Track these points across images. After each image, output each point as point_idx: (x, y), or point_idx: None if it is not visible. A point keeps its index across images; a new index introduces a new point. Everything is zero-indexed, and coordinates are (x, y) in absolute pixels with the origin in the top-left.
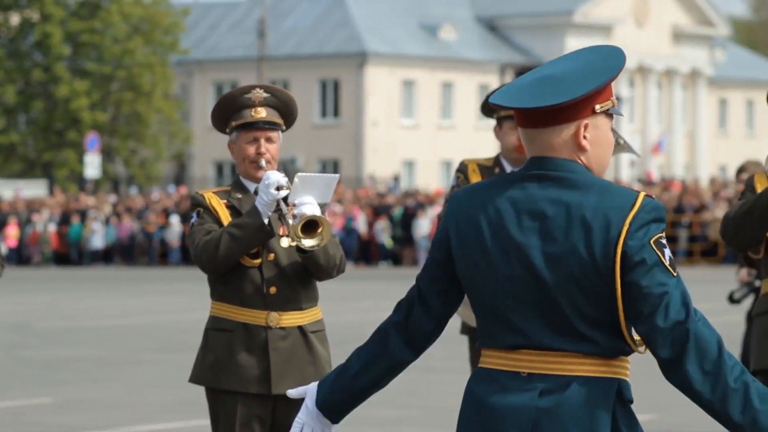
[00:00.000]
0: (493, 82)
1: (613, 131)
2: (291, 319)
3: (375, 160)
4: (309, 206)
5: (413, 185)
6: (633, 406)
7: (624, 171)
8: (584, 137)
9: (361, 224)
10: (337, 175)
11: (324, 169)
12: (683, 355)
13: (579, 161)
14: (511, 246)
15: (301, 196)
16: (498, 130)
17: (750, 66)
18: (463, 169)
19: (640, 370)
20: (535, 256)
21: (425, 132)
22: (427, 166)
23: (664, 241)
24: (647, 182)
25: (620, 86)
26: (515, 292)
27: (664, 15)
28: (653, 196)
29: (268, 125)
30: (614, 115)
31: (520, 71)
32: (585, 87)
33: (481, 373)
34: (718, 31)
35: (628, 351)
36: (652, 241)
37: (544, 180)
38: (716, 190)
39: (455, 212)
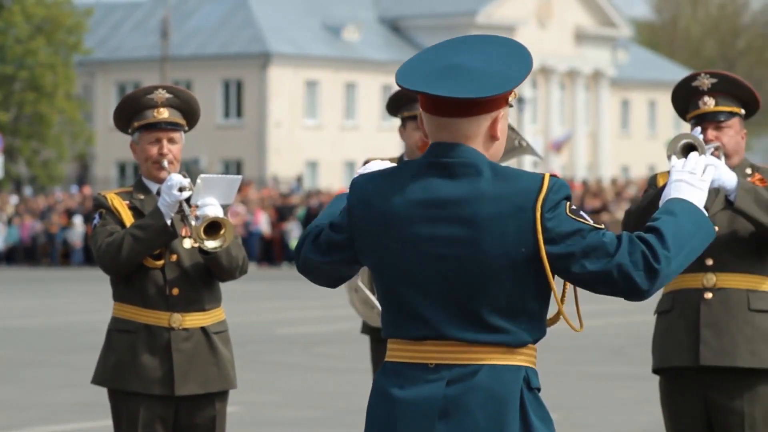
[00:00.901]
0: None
1: (516, 133)
2: (194, 320)
3: (278, 161)
4: (211, 208)
5: (316, 186)
6: None
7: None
8: (498, 128)
9: (263, 225)
10: (240, 177)
11: (227, 170)
12: (634, 279)
13: (486, 152)
14: (417, 237)
15: (203, 198)
16: (402, 130)
17: (652, 67)
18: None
19: (546, 370)
20: (442, 247)
21: (328, 132)
22: (330, 166)
23: (575, 207)
24: None
25: (523, 87)
26: (422, 283)
27: (567, 16)
28: (558, 175)
29: (171, 126)
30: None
31: None
32: (510, 82)
33: (389, 367)
34: (621, 32)
35: (536, 338)
36: (568, 213)
37: (449, 168)
38: (618, 191)
39: (359, 201)
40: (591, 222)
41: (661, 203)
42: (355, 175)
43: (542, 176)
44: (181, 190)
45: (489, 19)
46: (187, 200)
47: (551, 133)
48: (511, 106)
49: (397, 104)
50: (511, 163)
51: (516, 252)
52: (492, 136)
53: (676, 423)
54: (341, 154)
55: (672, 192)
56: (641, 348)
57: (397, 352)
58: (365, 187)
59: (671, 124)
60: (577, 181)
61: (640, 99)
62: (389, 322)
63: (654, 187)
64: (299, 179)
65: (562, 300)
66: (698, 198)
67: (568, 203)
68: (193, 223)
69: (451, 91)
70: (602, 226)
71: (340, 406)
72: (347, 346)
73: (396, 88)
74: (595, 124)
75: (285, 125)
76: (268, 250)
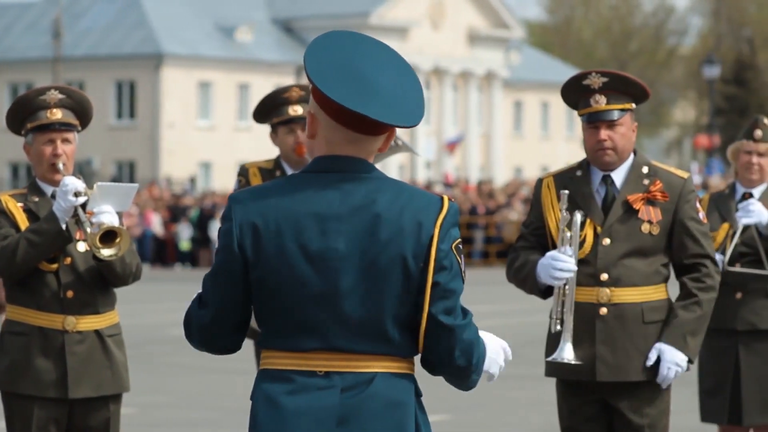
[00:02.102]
0: (290, 83)
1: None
2: (88, 323)
3: (171, 162)
4: (107, 215)
5: (210, 186)
6: (427, 407)
7: (420, 172)
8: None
9: (156, 226)
10: (136, 185)
11: (120, 171)
12: (454, 353)
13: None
14: (315, 250)
15: (100, 205)
16: (274, 136)
17: (545, 68)
18: (243, 172)
19: None
20: (339, 259)
21: (222, 133)
22: (223, 167)
23: (461, 246)
24: (446, 184)
25: None
26: (317, 296)
27: (460, 17)
28: (453, 199)
29: (64, 126)
30: None
31: None
32: (419, 115)
33: (272, 374)
34: (513, 33)
35: (417, 350)
36: (453, 247)
37: (346, 182)
38: (511, 192)
39: (247, 217)
40: (463, 269)
41: None
42: (234, 191)
43: (441, 198)
44: (76, 195)
45: (382, 20)
46: (83, 205)
47: (444, 135)
48: None
49: (264, 111)
50: (405, 159)
51: (415, 266)
52: (380, 150)
53: (572, 423)
54: (234, 155)
55: None
56: (535, 348)
57: (282, 359)
58: (254, 203)
59: (564, 126)
60: (471, 182)
61: (533, 100)
62: (273, 334)
63: (537, 200)
64: (192, 180)
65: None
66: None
67: (459, 240)
68: (88, 229)
69: (373, 112)
70: (464, 282)
71: (232, 407)
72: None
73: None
74: (488, 126)
75: (178, 126)
76: (161, 251)
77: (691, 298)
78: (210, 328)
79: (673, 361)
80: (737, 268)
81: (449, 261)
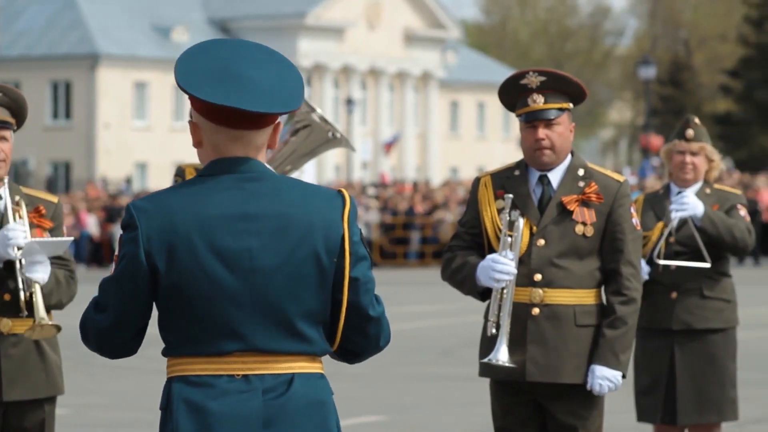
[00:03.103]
0: None
1: (330, 125)
2: (23, 326)
3: (107, 162)
4: (40, 270)
5: (145, 187)
6: (364, 408)
7: (356, 172)
8: (277, 136)
9: (92, 226)
10: (70, 238)
11: (56, 171)
12: (380, 339)
13: (264, 161)
14: (228, 252)
15: (33, 255)
16: None
17: (481, 69)
18: (180, 173)
19: (376, 371)
20: (254, 258)
21: (158, 134)
22: (159, 167)
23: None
24: (382, 184)
25: (353, 89)
26: (234, 297)
27: (396, 18)
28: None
29: (1, 124)
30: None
31: None
32: (297, 100)
33: (189, 379)
34: (450, 33)
35: (329, 350)
36: (360, 237)
37: (247, 182)
38: (448, 193)
39: (154, 225)
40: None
41: None
42: (137, 199)
43: (340, 192)
44: (18, 248)
45: (318, 20)
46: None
47: (380, 135)
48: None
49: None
50: (341, 159)
51: (328, 261)
52: (269, 146)
53: (506, 424)
54: (170, 155)
55: None
56: (471, 349)
57: (197, 365)
58: (160, 209)
59: (500, 126)
60: (407, 182)
61: (469, 101)
62: (187, 340)
63: (474, 197)
64: (128, 180)
65: (346, 312)
66: None
67: (360, 231)
68: (20, 285)
69: (245, 104)
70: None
71: None
72: None
73: None
74: (424, 126)
75: (114, 126)
76: (97, 252)
77: (615, 314)
78: (108, 333)
79: (604, 377)
80: (677, 262)
81: (363, 253)
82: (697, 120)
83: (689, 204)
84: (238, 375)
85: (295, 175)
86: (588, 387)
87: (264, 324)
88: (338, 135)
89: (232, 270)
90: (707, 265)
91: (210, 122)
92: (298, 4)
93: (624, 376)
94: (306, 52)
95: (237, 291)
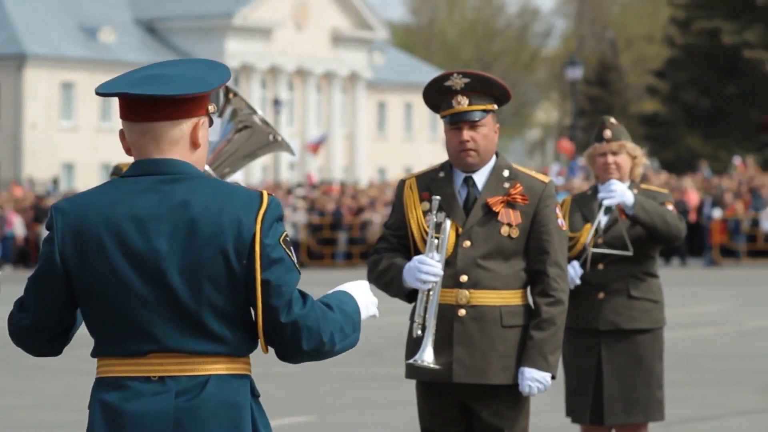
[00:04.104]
0: None
1: (271, 127)
2: None
3: (33, 162)
4: None
5: (72, 187)
6: (292, 409)
7: (284, 173)
8: (199, 134)
9: (18, 227)
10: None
11: None
12: (300, 342)
13: (190, 161)
14: (137, 253)
15: None
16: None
17: (408, 69)
18: (117, 171)
19: (302, 372)
20: (162, 260)
21: (84, 134)
22: (86, 168)
23: (289, 238)
24: (309, 185)
25: (279, 89)
26: (145, 298)
27: (324, 18)
28: (272, 195)
29: None
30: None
31: None
32: (204, 85)
33: (108, 381)
34: (377, 34)
35: (254, 349)
36: (281, 240)
37: (163, 183)
38: (375, 193)
39: (68, 225)
40: (295, 260)
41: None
42: (59, 200)
43: (260, 192)
44: None
45: (245, 21)
46: None
47: (308, 135)
48: (211, 120)
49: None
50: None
51: (238, 263)
52: (193, 143)
53: (432, 425)
54: (97, 155)
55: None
56: (397, 349)
57: (116, 367)
58: (76, 210)
59: (427, 127)
60: (335, 183)
61: (397, 101)
62: (105, 341)
63: (400, 199)
64: (55, 181)
65: (262, 315)
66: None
67: (285, 232)
68: None
69: (150, 91)
70: (299, 272)
71: None
72: None
73: None
74: (351, 126)
75: (40, 127)
76: (24, 252)
77: (542, 315)
78: (28, 332)
79: (534, 379)
80: (600, 250)
81: (279, 255)
82: (613, 120)
83: (617, 191)
84: (154, 377)
85: (233, 178)
86: (519, 389)
87: (176, 325)
88: (279, 138)
89: (141, 271)
90: (629, 253)
91: (123, 120)
92: (226, 4)
93: (553, 377)
94: (233, 52)
95: (147, 292)
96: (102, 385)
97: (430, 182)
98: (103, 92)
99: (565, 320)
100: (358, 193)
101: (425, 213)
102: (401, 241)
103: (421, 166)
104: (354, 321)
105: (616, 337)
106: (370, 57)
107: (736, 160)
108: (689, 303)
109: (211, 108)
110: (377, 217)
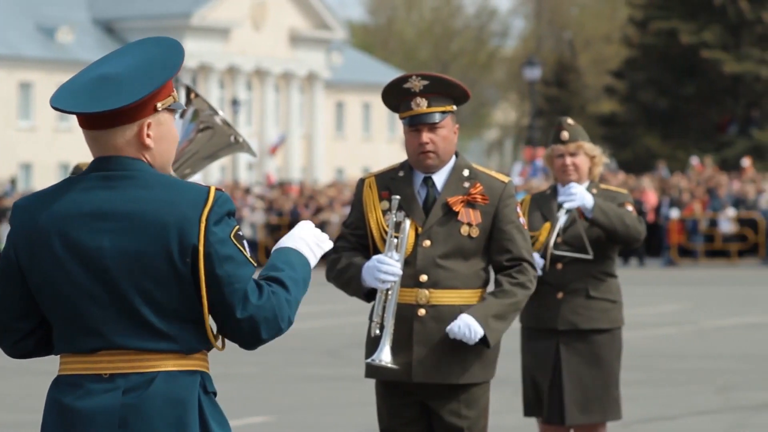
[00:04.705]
0: None
1: (232, 129)
2: None
3: None
4: None
5: (30, 187)
6: (250, 409)
7: (242, 173)
8: (148, 135)
9: None
10: None
11: None
12: (260, 334)
13: (144, 159)
14: (83, 250)
15: None
16: None
17: (366, 69)
18: (76, 171)
19: (262, 372)
20: (107, 258)
21: (42, 134)
22: (44, 168)
23: (241, 232)
24: (268, 185)
25: (238, 89)
26: (92, 295)
27: (282, 18)
28: (222, 189)
29: None
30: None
31: None
32: (145, 89)
33: (63, 380)
34: (335, 34)
35: (208, 346)
36: (231, 236)
37: (110, 180)
38: (333, 193)
39: (21, 223)
40: (248, 254)
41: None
42: (19, 198)
43: (208, 188)
44: None
45: (203, 21)
46: None
47: (266, 136)
48: (173, 111)
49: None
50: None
51: (181, 261)
52: (143, 145)
53: (392, 425)
54: (56, 156)
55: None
56: (356, 349)
57: (71, 365)
58: (28, 208)
59: (385, 127)
60: (293, 183)
61: (355, 101)
62: (61, 338)
63: (359, 200)
64: (13, 181)
65: (215, 309)
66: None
67: (237, 226)
68: None
69: (82, 107)
70: (255, 264)
71: None
72: None
73: None
74: (309, 127)
75: None
76: None
77: (504, 287)
78: None
79: (466, 324)
80: (564, 252)
81: (228, 251)
82: (570, 121)
83: (577, 194)
84: (105, 374)
85: (194, 178)
86: (447, 329)
87: (123, 322)
88: (240, 140)
89: (87, 268)
90: (589, 256)
91: (80, 127)
92: (184, 4)
93: (487, 345)
94: (191, 52)
95: (94, 289)
96: (58, 383)
97: (390, 182)
98: (53, 105)
99: (522, 305)
100: (316, 193)
101: (385, 212)
102: (360, 241)
103: (379, 166)
104: (305, 279)
105: (574, 336)
106: (328, 57)
107: (694, 161)
108: (647, 303)
109: (170, 100)
110: (335, 217)
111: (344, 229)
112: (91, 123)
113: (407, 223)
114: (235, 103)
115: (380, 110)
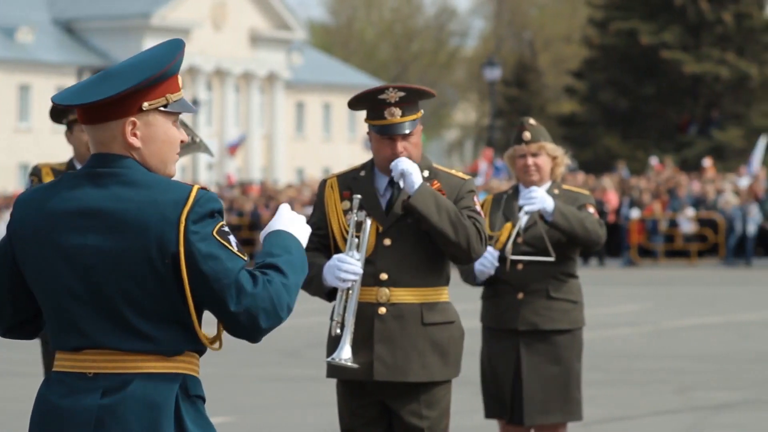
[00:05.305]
0: (71, 84)
1: (190, 129)
2: None
3: None
4: None
5: None
6: (211, 409)
7: (202, 174)
8: (133, 135)
9: None
10: None
11: None
12: (259, 324)
13: (133, 158)
14: (67, 247)
15: None
16: (69, 135)
17: (327, 70)
18: (36, 172)
19: (221, 372)
20: (90, 255)
21: (2, 135)
22: (3, 169)
23: (226, 228)
24: (228, 185)
25: (198, 89)
26: (76, 293)
27: (242, 19)
28: (207, 188)
29: None
30: (191, 113)
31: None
32: (123, 84)
33: (53, 376)
34: (296, 35)
35: (197, 348)
36: (215, 233)
37: (98, 177)
38: (293, 194)
39: (18, 217)
40: (235, 249)
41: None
42: (23, 192)
43: (190, 188)
44: None
45: (163, 21)
46: None
47: (226, 136)
48: (160, 110)
49: (61, 110)
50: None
51: (160, 262)
52: (127, 143)
53: (353, 425)
54: (15, 156)
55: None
56: (317, 349)
57: (62, 361)
58: (26, 202)
59: (346, 127)
60: (254, 183)
61: (315, 101)
62: (53, 335)
63: (321, 200)
64: None
65: (196, 313)
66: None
67: (221, 223)
68: None
69: (72, 99)
70: (245, 257)
71: (15, 410)
72: (26, 349)
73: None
74: (270, 127)
75: None
76: None
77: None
78: None
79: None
80: (524, 257)
81: (210, 249)
82: (532, 121)
83: (537, 197)
84: (89, 373)
85: None
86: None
87: (104, 322)
88: (198, 140)
89: (71, 266)
90: (551, 259)
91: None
92: (144, 4)
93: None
94: None
95: (78, 287)
96: (48, 379)
97: (352, 181)
98: (54, 100)
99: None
100: (276, 193)
101: (346, 212)
102: (322, 240)
103: (339, 166)
104: (303, 263)
105: (535, 337)
106: (288, 57)
107: (653, 161)
108: (607, 303)
109: (161, 101)
110: None
111: None
112: (84, 117)
113: (368, 222)
114: (195, 103)
115: (340, 111)
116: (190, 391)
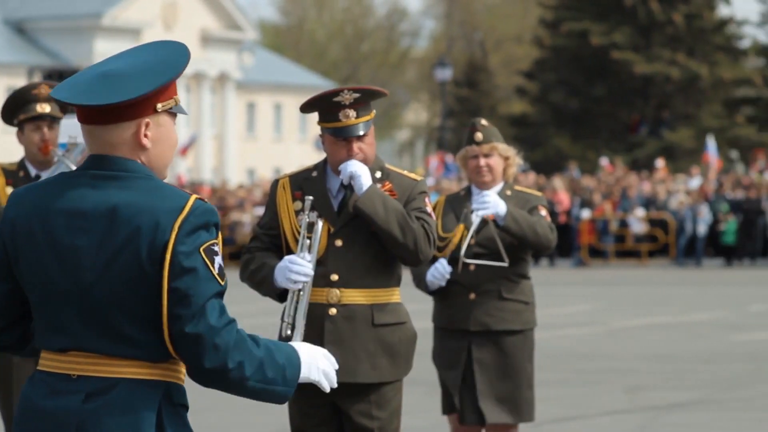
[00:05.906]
0: (21, 84)
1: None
2: None
3: None
4: None
5: None
6: None
7: None
8: (145, 135)
9: None
10: None
11: None
12: (201, 358)
13: (139, 160)
14: (60, 247)
15: None
16: (21, 135)
17: (278, 70)
18: None
19: None
20: (81, 257)
21: None
22: None
23: (216, 248)
24: (179, 185)
25: None
26: (64, 293)
27: (193, 19)
28: (205, 200)
29: None
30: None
31: (49, 74)
32: (146, 86)
33: (37, 376)
34: (246, 35)
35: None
36: (202, 249)
37: (98, 179)
38: (244, 194)
39: (14, 213)
40: (216, 272)
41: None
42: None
43: (188, 197)
44: None
45: (114, 21)
46: None
47: (177, 136)
48: (169, 111)
49: (12, 109)
50: None
51: (149, 267)
52: (139, 145)
53: (303, 426)
54: None
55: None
56: None
57: (46, 361)
58: (21, 198)
59: (297, 127)
60: (204, 184)
61: (266, 102)
62: (39, 333)
63: (273, 200)
64: None
65: (168, 321)
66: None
67: (212, 240)
68: None
69: (82, 99)
70: (223, 283)
71: None
72: None
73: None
74: (221, 127)
75: None
76: None
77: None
78: None
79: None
80: (477, 261)
81: (192, 264)
82: (483, 121)
83: (490, 202)
84: (74, 375)
85: None
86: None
87: (91, 324)
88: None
89: (63, 267)
90: (505, 264)
91: (79, 122)
92: (95, 4)
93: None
94: (103, 52)
95: (67, 288)
96: (33, 378)
97: (303, 182)
98: (53, 95)
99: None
100: (227, 193)
101: (297, 213)
102: (274, 241)
103: (290, 166)
104: (283, 371)
105: (486, 338)
106: (239, 57)
107: (604, 161)
108: (558, 303)
109: (171, 102)
110: (246, 218)
111: (258, 230)
112: (90, 117)
113: (320, 223)
114: None
115: (291, 111)
116: (173, 398)
